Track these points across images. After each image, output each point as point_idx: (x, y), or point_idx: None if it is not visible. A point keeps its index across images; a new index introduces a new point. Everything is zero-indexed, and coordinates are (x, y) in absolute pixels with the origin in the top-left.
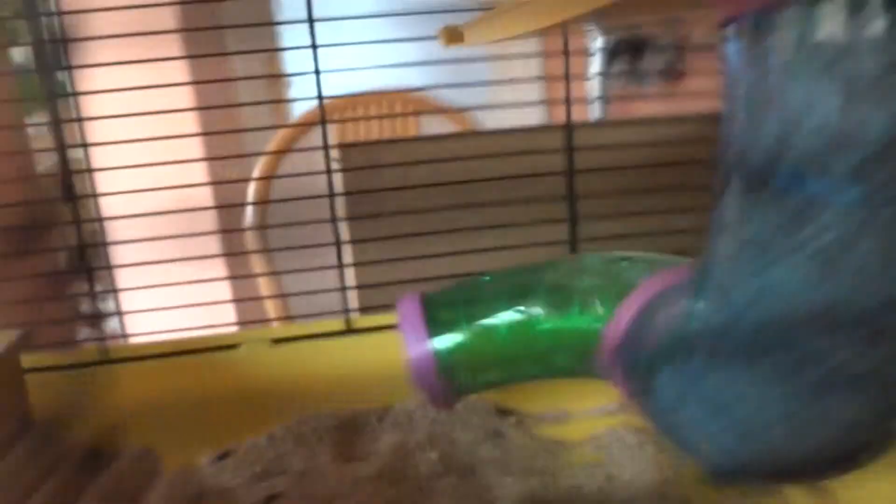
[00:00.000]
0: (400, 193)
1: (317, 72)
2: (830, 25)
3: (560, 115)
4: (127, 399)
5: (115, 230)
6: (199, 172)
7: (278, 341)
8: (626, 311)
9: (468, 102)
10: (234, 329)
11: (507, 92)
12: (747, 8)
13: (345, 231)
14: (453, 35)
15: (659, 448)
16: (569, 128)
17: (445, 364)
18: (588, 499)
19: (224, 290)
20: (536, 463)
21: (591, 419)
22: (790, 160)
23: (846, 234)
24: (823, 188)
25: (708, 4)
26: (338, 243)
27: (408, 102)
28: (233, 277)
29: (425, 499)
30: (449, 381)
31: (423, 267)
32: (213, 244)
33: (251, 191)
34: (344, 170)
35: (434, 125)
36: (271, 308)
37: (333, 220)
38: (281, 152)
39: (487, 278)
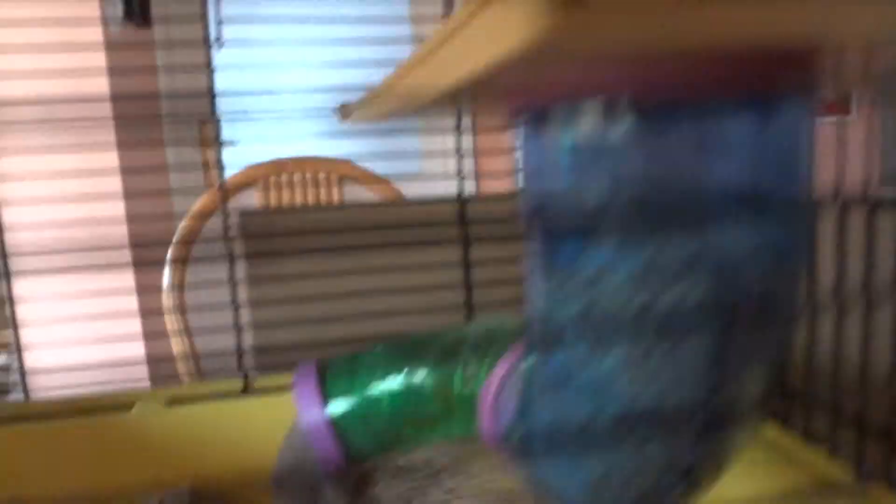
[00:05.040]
0: (299, 259)
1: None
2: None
3: (489, 186)
4: (17, 462)
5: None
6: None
7: (173, 402)
8: (496, 377)
9: (396, 172)
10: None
11: (436, 164)
12: (526, 107)
13: (244, 293)
14: (346, 112)
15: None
16: (461, 200)
17: (340, 431)
18: None
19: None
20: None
21: None
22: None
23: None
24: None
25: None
26: (235, 303)
27: (332, 171)
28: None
29: None
30: (346, 446)
31: (324, 330)
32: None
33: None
34: (244, 235)
35: (359, 194)
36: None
37: (233, 281)
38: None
39: (380, 348)
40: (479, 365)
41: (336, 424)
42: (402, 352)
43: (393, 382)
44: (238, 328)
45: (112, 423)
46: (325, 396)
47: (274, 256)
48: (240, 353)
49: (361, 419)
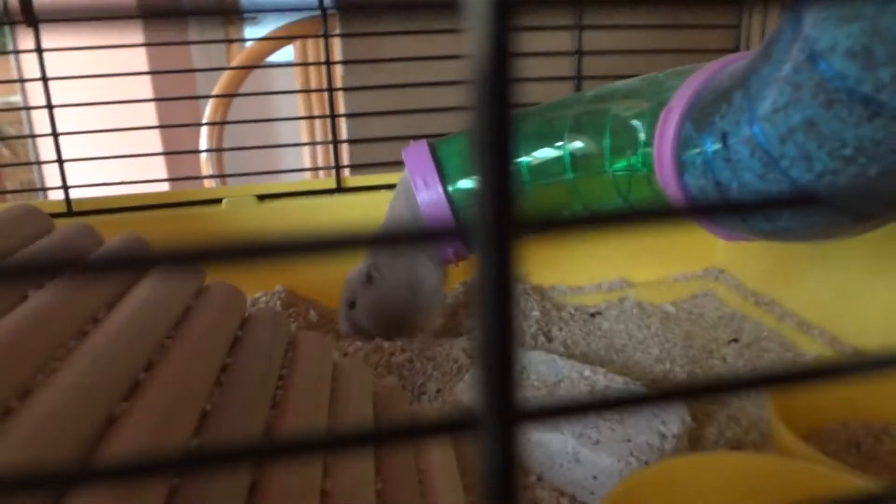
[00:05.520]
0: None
1: None
2: None
3: None
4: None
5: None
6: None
7: (263, 198)
8: (677, 105)
9: None
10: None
11: None
12: None
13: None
14: None
15: (661, 318)
16: None
17: (464, 211)
18: (598, 358)
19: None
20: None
21: (598, 293)
22: None
23: None
24: None
25: None
26: (330, 89)
27: None
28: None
29: None
30: (465, 228)
31: (417, 122)
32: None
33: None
34: (339, 7)
35: None
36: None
37: (328, 62)
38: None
39: None
40: (637, 115)
41: (456, 206)
42: (535, 119)
43: (521, 154)
44: (333, 117)
45: (202, 215)
46: (444, 175)
47: (371, 37)
48: (335, 145)
49: None
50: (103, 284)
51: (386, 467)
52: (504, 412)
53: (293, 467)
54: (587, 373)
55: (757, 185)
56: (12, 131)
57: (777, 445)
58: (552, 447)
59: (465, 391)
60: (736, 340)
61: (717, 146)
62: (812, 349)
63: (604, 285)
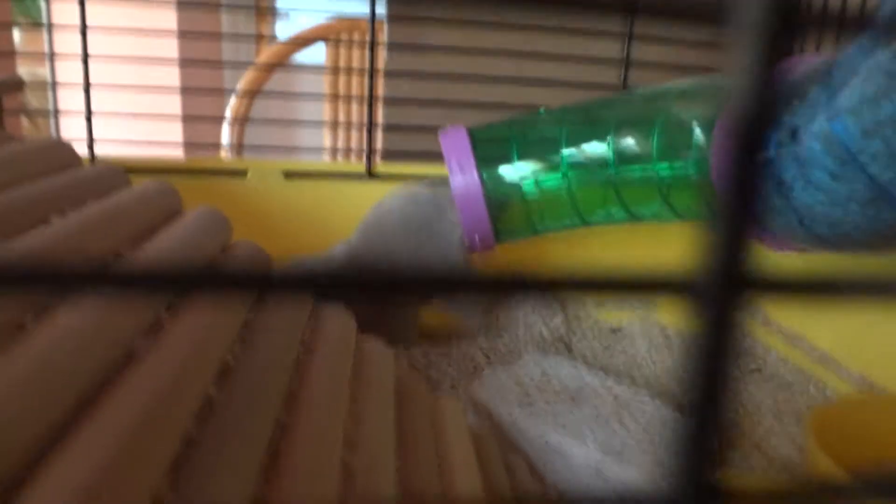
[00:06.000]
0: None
1: None
2: None
3: None
4: None
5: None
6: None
7: (290, 175)
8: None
9: None
10: None
11: None
12: None
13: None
14: None
15: (683, 341)
16: None
17: (496, 200)
18: (617, 374)
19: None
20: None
21: (621, 310)
22: None
23: None
24: None
25: None
26: (371, 72)
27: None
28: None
29: None
30: (495, 219)
31: (458, 114)
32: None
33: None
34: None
35: None
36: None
37: (373, 45)
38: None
39: (542, 111)
40: (694, 117)
41: (492, 193)
42: (580, 116)
43: (562, 150)
44: (371, 101)
45: (227, 186)
46: (479, 162)
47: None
48: (370, 130)
49: (519, 191)
50: (131, 222)
51: (405, 454)
52: (731, 276)
53: (315, 436)
54: (610, 383)
55: (827, 183)
56: (35, 103)
57: (811, 473)
58: (574, 460)
59: (481, 389)
60: (759, 371)
61: (786, 142)
62: (838, 387)
63: (627, 302)
